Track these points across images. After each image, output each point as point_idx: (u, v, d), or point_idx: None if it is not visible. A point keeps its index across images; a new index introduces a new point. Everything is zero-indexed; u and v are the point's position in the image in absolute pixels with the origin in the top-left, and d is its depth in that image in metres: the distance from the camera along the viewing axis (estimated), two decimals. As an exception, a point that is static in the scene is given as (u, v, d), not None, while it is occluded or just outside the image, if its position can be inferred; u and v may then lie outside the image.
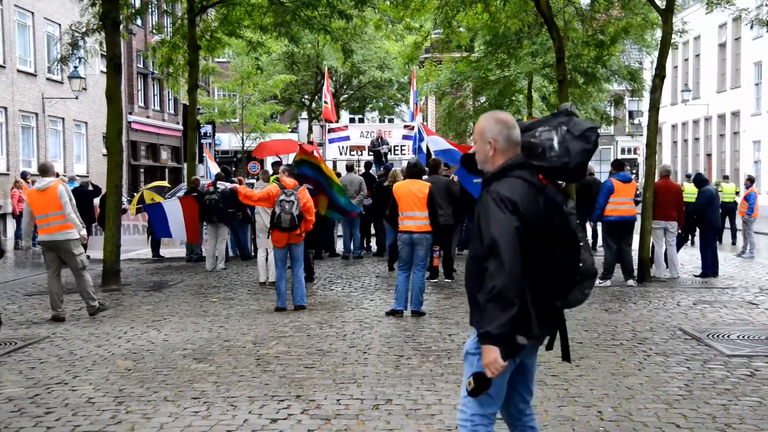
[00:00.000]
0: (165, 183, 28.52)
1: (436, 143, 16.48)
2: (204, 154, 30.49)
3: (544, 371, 7.62)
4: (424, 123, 20.96)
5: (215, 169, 19.83)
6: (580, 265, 3.84)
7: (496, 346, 3.64)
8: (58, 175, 12.23)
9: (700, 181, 15.60)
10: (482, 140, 3.97)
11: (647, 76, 29.71)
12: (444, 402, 6.64)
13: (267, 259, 13.81)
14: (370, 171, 19.50)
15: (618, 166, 14.34)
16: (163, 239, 18.93)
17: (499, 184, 3.81)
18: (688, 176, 33.23)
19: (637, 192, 15.63)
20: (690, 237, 15.26)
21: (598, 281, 13.57)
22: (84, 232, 11.01)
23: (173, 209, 16.69)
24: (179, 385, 7.31)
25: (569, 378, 7.40)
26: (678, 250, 14.75)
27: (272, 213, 11.08)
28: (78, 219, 10.86)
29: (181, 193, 18.51)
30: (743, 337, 9.25)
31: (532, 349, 3.94)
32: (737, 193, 23.91)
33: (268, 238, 11.56)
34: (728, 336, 9.29)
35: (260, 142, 33.36)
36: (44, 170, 11.01)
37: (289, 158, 26.68)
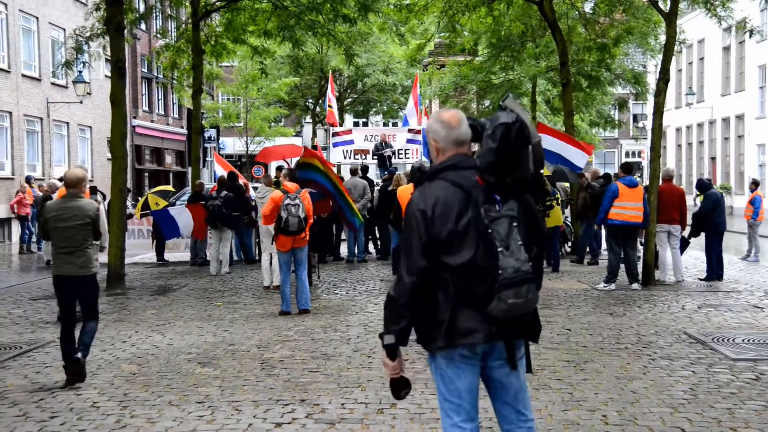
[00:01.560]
0: (169, 187, 28.57)
1: None
2: (211, 158, 30.51)
3: (548, 375, 7.62)
4: None
5: (222, 171, 19.82)
6: (499, 272, 3.62)
7: (384, 350, 3.81)
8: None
9: (703, 185, 15.58)
10: (429, 139, 3.93)
11: (651, 79, 29.71)
12: (448, 406, 6.63)
13: (271, 263, 13.83)
14: (367, 175, 19.45)
15: (626, 169, 14.29)
16: (167, 243, 18.93)
17: (421, 189, 3.81)
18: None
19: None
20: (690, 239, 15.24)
21: (602, 285, 13.56)
22: None
23: (181, 211, 16.79)
24: (184, 390, 7.31)
25: (574, 382, 7.39)
26: (682, 253, 14.72)
27: (278, 218, 11.08)
28: None
29: (185, 197, 18.53)
30: (748, 340, 9.23)
31: (495, 362, 3.86)
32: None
33: (272, 243, 11.57)
34: (733, 340, 9.27)
35: (264, 146, 33.41)
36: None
37: (292, 163, 26.72)
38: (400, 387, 3.99)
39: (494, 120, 3.73)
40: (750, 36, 17.45)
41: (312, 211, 11.34)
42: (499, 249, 3.62)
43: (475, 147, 3.90)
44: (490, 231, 3.64)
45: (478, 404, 3.96)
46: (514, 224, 3.66)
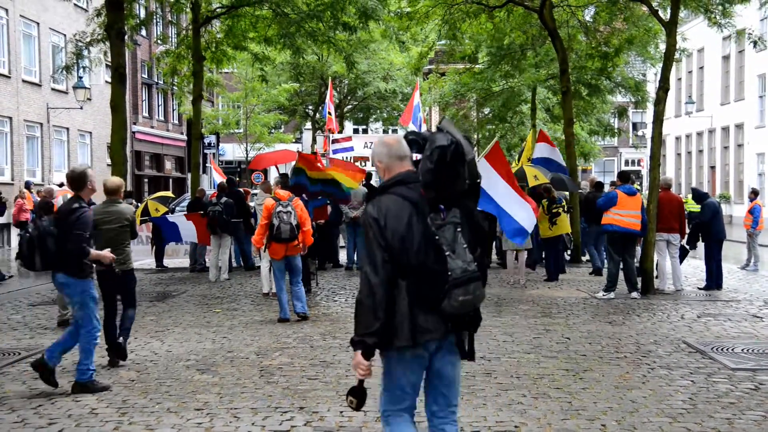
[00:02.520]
0: (169, 193, 28.56)
1: None
2: (209, 164, 30.54)
3: (547, 384, 7.62)
4: None
5: (220, 179, 19.85)
6: (449, 273, 4.01)
7: (357, 350, 4.14)
8: (62, 185, 12.28)
9: (700, 195, 15.58)
10: (375, 162, 4.38)
11: (651, 88, 29.76)
12: (447, 414, 6.62)
13: (270, 269, 13.83)
14: (371, 182, 19.45)
15: (623, 178, 14.33)
16: (166, 249, 18.93)
17: (374, 201, 4.21)
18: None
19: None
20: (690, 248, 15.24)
21: (601, 293, 13.56)
22: None
23: (180, 219, 16.80)
24: (182, 396, 7.30)
25: (573, 391, 7.39)
26: (681, 262, 14.72)
27: (270, 225, 11.10)
28: None
29: (184, 203, 18.53)
30: (748, 350, 9.23)
31: (441, 354, 4.22)
32: (686, 202, 23.82)
33: (265, 250, 11.59)
34: (732, 349, 9.26)
35: (257, 154, 33.44)
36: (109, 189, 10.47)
37: (287, 168, 26.72)
38: (364, 396, 4.34)
39: (432, 141, 4.13)
40: (755, 46, 17.47)
41: (305, 219, 11.36)
42: (447, 253, 4.04)
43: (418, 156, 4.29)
44: (437, 237, 4.06)
45: (417, 393, 4.35)
46: (458, 229, 4.09)
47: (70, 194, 10.89)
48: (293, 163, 16.64)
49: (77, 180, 7.83)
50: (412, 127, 24.49)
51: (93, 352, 7.63)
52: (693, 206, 18.88)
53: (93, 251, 7.64)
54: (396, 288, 4.11)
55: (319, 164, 14.55)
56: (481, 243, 4.24)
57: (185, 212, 18.13)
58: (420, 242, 4.09)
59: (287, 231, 11.07)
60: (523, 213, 12.88)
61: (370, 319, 4.10)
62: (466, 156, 4.13)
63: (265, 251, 11.75)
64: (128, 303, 8.79)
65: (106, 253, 7.84)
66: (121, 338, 8.60)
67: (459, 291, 4.03)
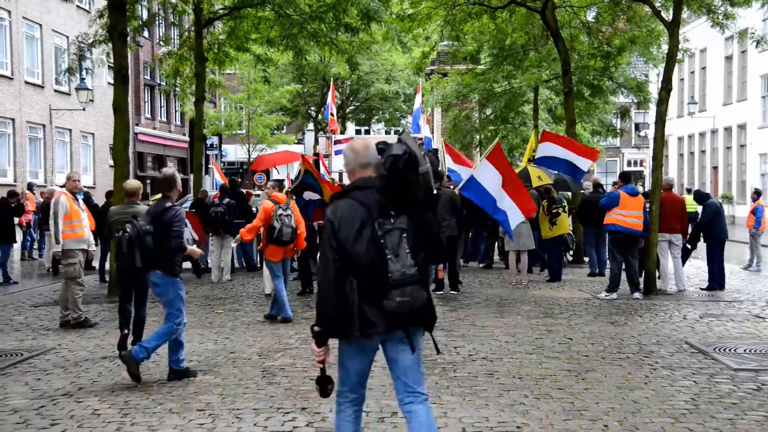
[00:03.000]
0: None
1: (449, 162, 16.72)
2: (211, 166, 30.54)
3: (549, 384, 7.61)
4: (446, 142, 21.02)
5: (221, 180, 19.86)
6: (389, 275, 4.36)
7: (314, 338, 4.67)
8: (62, 186, 12.29)
9: (701, 196, 15.56)
10: (344, 164, 4.84)
11: (653, 88, 29.72)
12: (449, 415, 6.62)
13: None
14: None
15: (625, 178, 14.34)
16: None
17: (332, 205, 4.62)
18: (688, 190, 33.19)
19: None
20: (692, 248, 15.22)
21: (603, 294, 13.56)
22: (57, 247, 10.84)
23: None
24: (185, 397, 7.31)
25: (575, 391, 7.38)
26: (684, 263, 14.71)
27: (271, 228, 11.15)
28: (57, 233, 10.82)
29: (187, 204, 18.54)
30: (750, 351, 9.21)
31: (392, 344, 4.63)
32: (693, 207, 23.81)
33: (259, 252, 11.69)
34: (735, 350, 9.25)
35: (258, 156, 33.47)
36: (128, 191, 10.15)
37: (288, 168, 26.73)
38: (325, 384, 4.81)
39: (388, 150, 4.46)
40: (756, 46, 17.46)
41: (300, 221, 11.49)
42: (389, 256, 4.40)
43: None
44: (382, 241, 4.41)
45: (365, 382, 4.79)
46: (404, 235, 4.41)
47: (65, 195, 10.94)
48: (296, 164, 16.66)
49: (168, 181, 8.24)
50: (425, 130, 24.46)
51: (183, 343, 8.07)
52: (690, 204, 18.89)
53: (188, 247, 8.21)
54: (349, 285, 4.49)
55: (323, 170, 14.63)
56: (429, 250, 4.53)
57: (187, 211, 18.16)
58: (369, 244, 4.45)
59: (288, 234, 11.17)
60: (510, 212, 13.08)
61: (320, 312, 4.59)
62: (419, 167, 4.40)
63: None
64: (140, 304, 9.20)
65: (196, 248, 8.57)
66: (126, 332, 9.15)
67: (396, 292, 4.37)
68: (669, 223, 14.08)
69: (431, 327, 4.68)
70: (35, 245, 22.99)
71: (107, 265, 15.18)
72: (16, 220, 18.93)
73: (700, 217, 15.18)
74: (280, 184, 12.52)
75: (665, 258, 14.36)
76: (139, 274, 8.72)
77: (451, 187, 15.21)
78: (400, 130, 6.72)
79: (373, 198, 4.49)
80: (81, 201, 11.58)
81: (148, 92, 41.49)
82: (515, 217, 13.12)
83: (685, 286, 14.49)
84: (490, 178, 13.15)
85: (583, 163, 16.26)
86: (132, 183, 9.73)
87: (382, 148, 4.56)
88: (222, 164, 43.59)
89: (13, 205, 17.77)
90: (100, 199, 19.67)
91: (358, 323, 4.51)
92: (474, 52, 25.08)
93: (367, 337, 4.56)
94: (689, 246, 14.96)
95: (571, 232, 17.03)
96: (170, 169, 8.60)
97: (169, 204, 7.97)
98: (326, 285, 4.53)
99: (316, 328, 4.65)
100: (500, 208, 13.07)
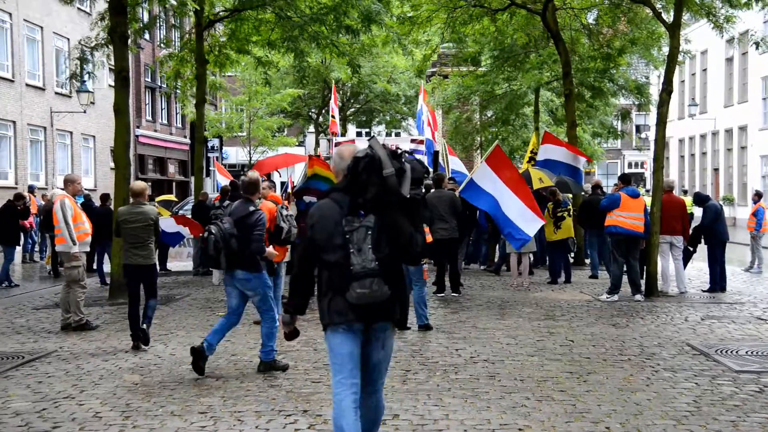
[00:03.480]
0: (172, 197, 28.57)
1: (456, 164, 16.66)
2: (212, 168, 30.55)
3: (551, 387, 7.61)
4: (448, 144, 21.07)
5: (224, 181, 19.80)
6: (351, 267, 4.72)
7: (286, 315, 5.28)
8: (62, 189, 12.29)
9: (701, 198, 15.54)
10: (332, 167, 5.25)
11: (654, 90, 29.72)
12: (451, 417, 6.62)
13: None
14: None
15: (625, 180, 14.35)
16: (170, 252, 18.94)
17: (316, 204, 5.05)
18: (684, 191, 33.17)
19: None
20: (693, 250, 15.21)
21: (605, 296, 13.55)
22: (75, 249, 10.93)
23: (169, 222, 16.84)
24: (186, 400, 7.31)
25: (577, 393, 7.38)
26: (685, 265, 14.69)
27: (278, 229, 11.07)
28: (69, 234, 10.85)
29: (188, 207, 18.54)
30: (752, 352, 9.21)
31: (354, 332, 4.88)
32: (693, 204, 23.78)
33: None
34: (737, 352, 9.25)
35: (262, 158, 33.42)
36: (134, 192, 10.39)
37: (289, 171, 26.69)
38: (293, 336, 5.37)
39: (356, 155, 4.86)
40: (757, 48, 17.46)
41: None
42: (352, 251, 4.74)
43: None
44: (348, 236, 4.77)
45: (357, 366, 4.91)
46: (369, 232, 4.75)
47: (68, 198, 10.96)
48: (298, 166, 16.56)
49: (252, 185, 8.62)
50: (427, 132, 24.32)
51: (275, 335, 8.36)
52: (687, 206, 18.90)
53: (267, 250, 8.77)
54: (321, 277, 4.95)
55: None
56: (396, 248, 4.80)
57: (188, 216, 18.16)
58: (338, 240, 4.80)
59: (296, 234, 11.11)
60: (524, 221, 12.90)
61: (291, 294, 5.15)
62: (382, 170, 4.71)
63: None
64: (150, 293, 9.88)
65: (272, 250, 9.21)
66: (144, 325, 9.72)
67: (356, 284, 4.72)
68: (670, 225, 14.08)
69: (401, 325, 5.05)
70: (36, 248, 23.00)
71: (107, 268, 15.19)
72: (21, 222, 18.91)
73: (700, 219, 15.13)
74: (272, 184, 12.49)
75: (666, 260, 14.35)
76: (147, 269, 9.78)
77: (453, 189, 15.20)
78: (372, 137, 6.78)
79: (347, 199, 4.83)
80: (78, 204, 11.60)
81: (149, 94, 41.49)
82: (533, 223, 12.98)
83: (687, 288, 14.48)
84: (489, 181, 13.12)
85: (580, 162, 16.33)
86: (138, 184, 10.23)
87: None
88: (223, 166, 43.58)
89: (19, 208, 17.78)
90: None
91: (328, 313, 4.90)
92: (475, 55, 25.09)
93: (346, 324, 4.87)
94: (690, 249, 14.96)
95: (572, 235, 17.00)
96: (254, 173, 9.01)
97: (252, 208, 8.31)
98: (298, 273, 5.07)
99: (286, 309, 5.26)
100: (507, 215, 12.93)
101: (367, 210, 4.79)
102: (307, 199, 14.28)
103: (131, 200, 10.27)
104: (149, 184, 40.40)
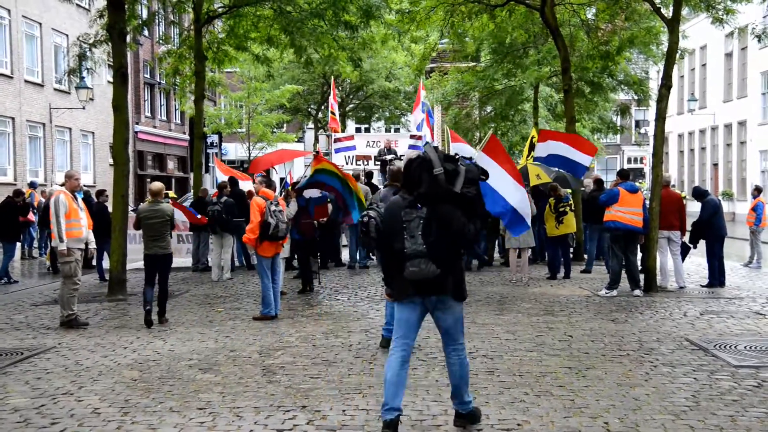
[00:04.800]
0: (171, 193, 28.57)
1: (462, 150, 16.46)
2: (212, 164, 30.53)
3: (550, 382, 7.61)
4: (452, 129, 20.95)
5: (223, 177, 19.80)
6: (405, 249, 5.81)
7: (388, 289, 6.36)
8: (62, 185, 12.31)
9: (700, 193, 15.51)
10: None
11: (653, 85, 29.67)
12: (450, 413, 6.61)
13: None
14: (371, 181, 19.48)
15: (624, 175, 14.34)
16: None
17: (387, 202, 6.30)
18: (672, 186, 33.12)
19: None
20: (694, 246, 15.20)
21: (604, 291, 13.56)
22: (62, 246, 10.91)
23: None
24: (185, 396, 7.31)
25: (575, 389, 7.38)
26: (683, 259, 14.69)
27: (265, 224, 11.14)
28: (60, 232, 10.85)
29: (187, 203, 18.53)
30: (750, 347, 9.21)
31: (414, 304, 5.98)
32: (684, 197, 23.78)
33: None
34: (735, 346, 9.25)
35: (259, 155, 33.40)
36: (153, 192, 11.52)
37: (287, 166, 26.64)
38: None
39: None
40: (759, 41, 17.43)
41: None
42: (406, 237, 5.84)
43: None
44: (405, 225, 5.85)
45: (412, 330, 6.07)
46: (421, 222, 5.80)
47: (64, 194, 10.95)
48: (296, 161, 16.45)
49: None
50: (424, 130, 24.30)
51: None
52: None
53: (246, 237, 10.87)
54: (394, 260, 5.93)
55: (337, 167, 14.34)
56: (443, 236, 5.77)
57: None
58: (399, 228, 5.86)
59: (284, 229, 11.36)
60: (518, 197, 12.75)
61: (383, 275, 6.32)
62: (433, 168, 5.73)
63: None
64: (163, 280, 11.20)
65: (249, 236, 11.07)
66: (156, 312, 11.10)
67: (409, 264, 5.80)
68: (667, 220, 14.08)
69: (458, 296, 5.98)
70: (35, 244, 23.01)
71: (106, 264, 15.19)
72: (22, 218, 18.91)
73: (699, 214, 15.12)
74: (266, 179, 12.52)
75: (664, 255, 14.35)
76: (165, 258, 11.15)
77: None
78: (426, 143, 7.19)
79: (407, 195, 5.90)
80: (80, 200, 11.59)
81: (148, 91, 41.48)
82: (524, 201, 12.87)
83: (685, 283, 14.48)
84: (491, 169, 13.02)
85: (584, 159, 16.21)
86: (156, 185, 11.55)
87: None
88: (222, 162, 43.55)
89: (19, 204, 17.77)
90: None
91: (398, 289, 6.00)
92: (473, 53, 25.04)
93: (406, 300, 5.96)
94: (691, 245, 14.96)
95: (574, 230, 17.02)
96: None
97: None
98: (380, 258, 6.37)
99: (385, 285, 6.41)
100: (508, 202, 12.84)
101: (422, 203, 5.79)
102: (307, 194, 14.29)
103: (149, 198, 11.45)
104: (148, 180, 40.62)
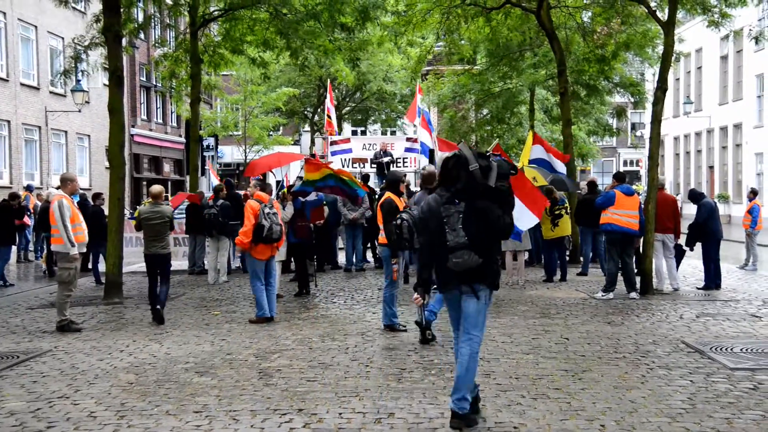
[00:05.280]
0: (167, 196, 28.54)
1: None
2: (206, 167, 30.56)
3: (546, 385, 7.61)
4: (439, 136, 21.03)
5: (216, 182, 19.82)
6: (448, 243, 6.22)
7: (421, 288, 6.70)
8: (58, 188, 12.31)
9: (695, 196, 15.53)
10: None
11: (649, 87, 29.73)
12: (446, 415, 6.61)
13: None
14: (368, 183, 19.49)
15: (620, 178, 14.35)
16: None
17: (426, 199, 6.57)
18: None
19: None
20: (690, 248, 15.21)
21: (600, 294, 13.57)
22: (74, 251, 10.90)
23: None
24: (181, 399, 7.30)
25: (572, 391, 7.38)
26: (679, 262, 14.68)
27: (259, 226, 11.18)
28: (67, 236, 10.81)
29: (183, 206, 18.51)
30: (746, 350, 9.22)
31: (457, 296, 6.40)
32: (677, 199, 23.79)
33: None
34: (731, 349, 9.26)
35: (251, 161, 33.34)
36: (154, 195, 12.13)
37: (285, 170, 26.62)
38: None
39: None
40: (757, 43, 17.47)
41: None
42: (447, 231, 6.23)
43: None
44: (445, 220, 6.25)
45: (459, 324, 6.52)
46: (460, 215, 6.21)
47: (66, 198, 10.92)
48: (295, 164, 16.39)
49: (432, 176, 9.94)
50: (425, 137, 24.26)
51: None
52: None
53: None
54: (437, 255, 6.33)
55: (325, 166, 14.41)
56: (482, 228, 6.19)
57: (183, 215, 18.15)
58: (440, 223, 6.26)
59: (278, 232, 11.40)
60: (519, 216, 12.81)
61: (420, 271, 6.65)
62: (468, 165, 6.16)
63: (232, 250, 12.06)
64: (164, 279, 11.74)
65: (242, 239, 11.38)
66: (158, 306, 11.45)
67: (452, 255, 6.20)
68: (661, 223, 14.08)
69: (493, 285, 6.41)
70: (30, 247, 22.96)
71: (102, 267, 15.17)
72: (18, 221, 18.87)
73: (694, 216, 15.14)
74: (261, 183, 12.57)
75: (659, 258, 14.35)
76: (164, 257, 11.68)
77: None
78: (461, 141, 7.50)
79: (444, 191, 6.32)
80: (75, 203, 11.56)
81: (144, 93, 41.43)
82: (527, 219, 12.89)
83: (679, 285, 14.48)
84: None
85: (560, 166, 16.39)
86: (156, 187, 12.17)
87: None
88: (218, 165, 43.58)
89: (14, 207, 17.75)
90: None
91: (440, 282, 6.46)
92: (470, 56, 25.05)
93: (449, 292, 6.43)
94: (688, 248, 14.97)
95: (570, 233, 17.04)
96: (431, 167, 10.35)
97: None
98: (424, 252, 6.52)
99: (420, 281, 6.66)
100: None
101: (460, 198, 6.20)
102: (302, 197, 14.30)
103: (149, 200, 12.10)
104: (144, 183, 40.59)
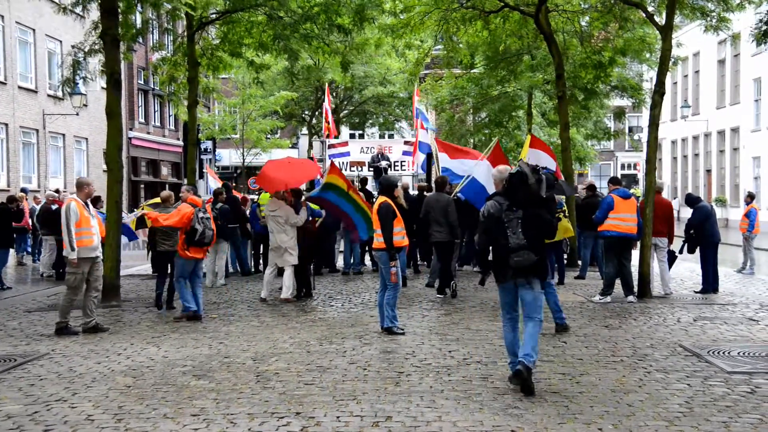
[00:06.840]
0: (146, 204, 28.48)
1: (445, 161, 16.57)
2: (204, 170, 30.51)
3: (544, 388, 7.62)
4: (438, 138, 21.01)
5: (215, 184, 19.78)
6: (509, 244, 7.39)
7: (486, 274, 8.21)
8: (57, 191, 12.32)
9: (692, 200, 15.54)
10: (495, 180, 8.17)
11: (647, 87, 29.73)
12: (444, 419, 6.62)
13: (275, 274, 14.23)
14: (366, 187, 19.50)
15: (615, 182, 14.34)
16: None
17: (486, 204, 7.74)
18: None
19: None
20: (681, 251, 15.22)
21: (598, 297, 13.58)
22: (73, 255, 10.82)
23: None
24: (179, 402, 7.30)
25: (569, 395, 7.39)
26: (670, 267, 14.64)
27: (192, 230, 11.78)
28: (69, 240, 10.80)
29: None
30: (744, 353, 9.23)
31: (512, 286, 7.60)
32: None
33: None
34: (729, 353, 9.27)
35: (267, 160, 33.14)
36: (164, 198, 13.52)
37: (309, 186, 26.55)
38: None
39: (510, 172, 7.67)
40: (758, 45, 17.46)
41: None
42: (509, 234, 7.42)
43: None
44: (506, 224, 7.44)
45: (514, 308, 7.72)
46: (519, 220, 7.42)
47: (76, 202, 10.90)
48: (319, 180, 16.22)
49: (444, 182, 13.32)
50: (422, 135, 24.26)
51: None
52: None
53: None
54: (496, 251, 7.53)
55: (349, 183, 13.91)
56: (536, 230, 7.43)
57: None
58: (501, 226, 7.42)
59: (210, 236, 11.99)
60: None
61: (479, 264, 8.56)
62: (528, 180, 7.37)
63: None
64: (173, 273, 12.54)
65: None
66: (165, 298, 12.94)
67: (513, 255, 7.37)
68: (655, 227, 14.07)
69: (543, 277, 7.63)
70: (28, 250, 22.93)
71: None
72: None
73: (690, 220, 15.15)
74: (193, 188, 13.44)
75: (652, 261, 14.33)
76: (173, 254, 12.31)
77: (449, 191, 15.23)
78: (520, 161, 7.79)
79: (504, 199, 7.51)
80: (92, 208, 11.46)
81: (142, 97, 41.44)
82: None
83: (671, 290, 14.44)
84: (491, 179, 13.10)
85: (549, 162, 16.44)
86: (165, 192, 13.71)
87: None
88: (216, 168, 43.54)
89: (12, 210, 17.73)
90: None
91: (499, 274, 7.57)
92: (468, 61, 25.06)
93: (506, 282, 7.56)
94: (689, 252, 14.98)
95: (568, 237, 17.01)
96: (443, 176, 12.67)
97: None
98: (479, 249, 7.77)
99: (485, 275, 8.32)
100: None
101: (518, 206, 7.39)
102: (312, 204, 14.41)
103: (158, 202, 13.56)
104: (142, 186, 40.60)
